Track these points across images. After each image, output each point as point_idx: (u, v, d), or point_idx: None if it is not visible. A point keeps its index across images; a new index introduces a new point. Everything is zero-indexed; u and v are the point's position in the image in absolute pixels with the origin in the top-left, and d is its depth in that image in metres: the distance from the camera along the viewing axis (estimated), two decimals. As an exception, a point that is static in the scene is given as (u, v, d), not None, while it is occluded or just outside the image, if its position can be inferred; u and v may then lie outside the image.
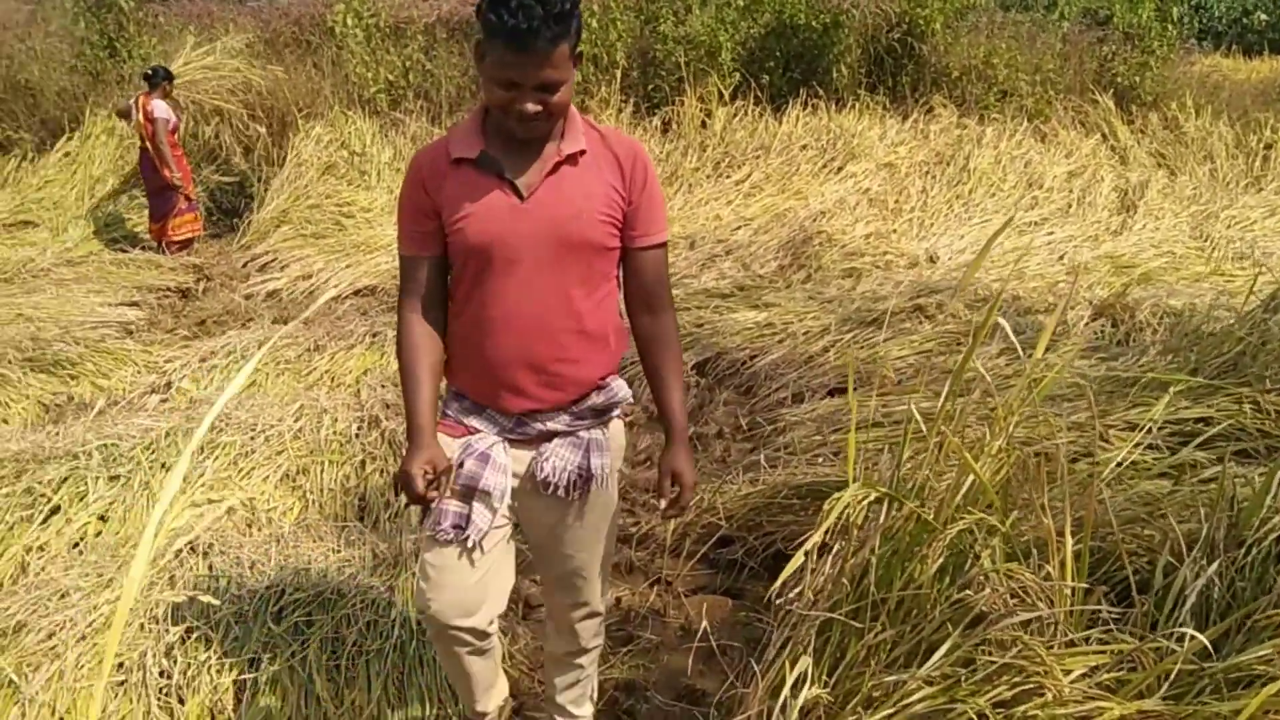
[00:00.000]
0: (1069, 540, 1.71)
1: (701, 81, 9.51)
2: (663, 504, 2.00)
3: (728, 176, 8.65)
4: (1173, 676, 1.40)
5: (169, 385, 4.93)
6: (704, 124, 9.33)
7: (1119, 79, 10.63)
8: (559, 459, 1.99)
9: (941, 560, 1.71)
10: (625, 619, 2.98)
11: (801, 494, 3.16)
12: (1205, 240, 8.09)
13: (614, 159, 1.89)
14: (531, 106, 1.72)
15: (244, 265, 7.69)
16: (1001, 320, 1.88)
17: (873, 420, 3.85)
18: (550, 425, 1.99)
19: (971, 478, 1.68)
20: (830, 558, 1.92)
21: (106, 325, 5.95)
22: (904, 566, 1.77)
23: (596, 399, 2.00)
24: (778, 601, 1.97)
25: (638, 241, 1.94)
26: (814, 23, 9.47)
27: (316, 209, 8.34)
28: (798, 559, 1.65)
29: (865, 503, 1.83)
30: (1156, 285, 6.46)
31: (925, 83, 9.96)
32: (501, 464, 1.97)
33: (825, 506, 1.71)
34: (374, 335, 5.35)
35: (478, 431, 1.99)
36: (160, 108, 7.56)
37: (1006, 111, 9.71)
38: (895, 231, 7.72)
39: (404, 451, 1.87)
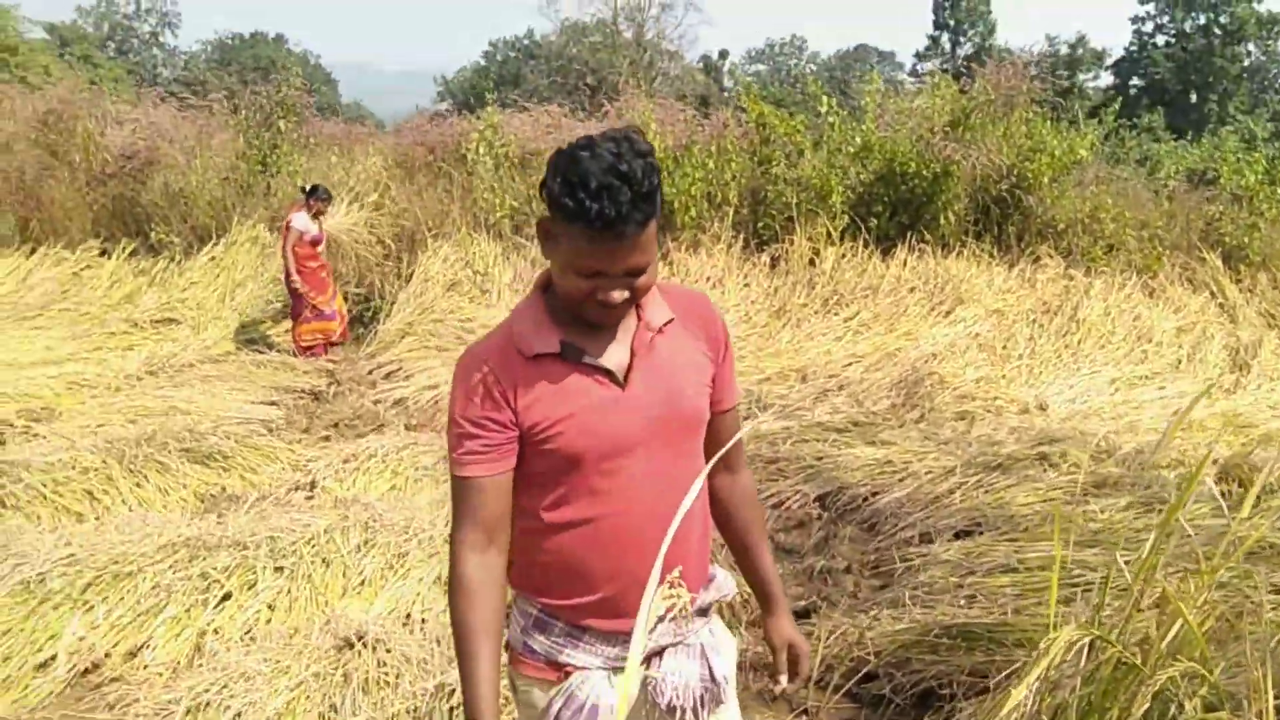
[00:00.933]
0: (1269, 692, 1.78)
1: (810, 221, 9.85)
2: (783, 680, 1.82)
3: (836, 314, 8.86)
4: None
5: (313, 484, 5.18)
6: (813, 262, 9.61)
7: (1227, 238, 10.69)
8: (678, 676, 1.69)
9: (1146, 706, 1.79)
10: (774, 746, 3.04)
11: (951, 634, 3.22)
12: (1323, 403, 7.98)
13: (697, 320, 1.70)
14: (618, 295, 1.51)
15: (370, 372, 8.06)
16: (1209, 482, 1.99)
17: (1008, 565, 3.91)
18: (661, 640, 1.69)
19: (1179, 625, 1.78)
20: (1032, 696, 2.00)
21: (250, 422, 6.29)
22: (1105, 710, 1.85)
23: (705, 596, 1.75)
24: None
25: (724, 405, 1.74)
26: (924, 171, 9.78)
27: (440, 323, 8.76)
28: (1019, 693, 1.74)
29: (1064, 645, 1.93)
30: (1277, 446, 6.40)
31: (1031, 233, 10.16)
32: (612, 708, 1.63)
33: (1042, 645, 1.81)
34: (505, 448, 5.56)
35: (576, 669, 1.66)
36: (298, 220, 8.11)
37: (1114, 265, 9.82)
38: (1005, 377, 7.79)
39: None
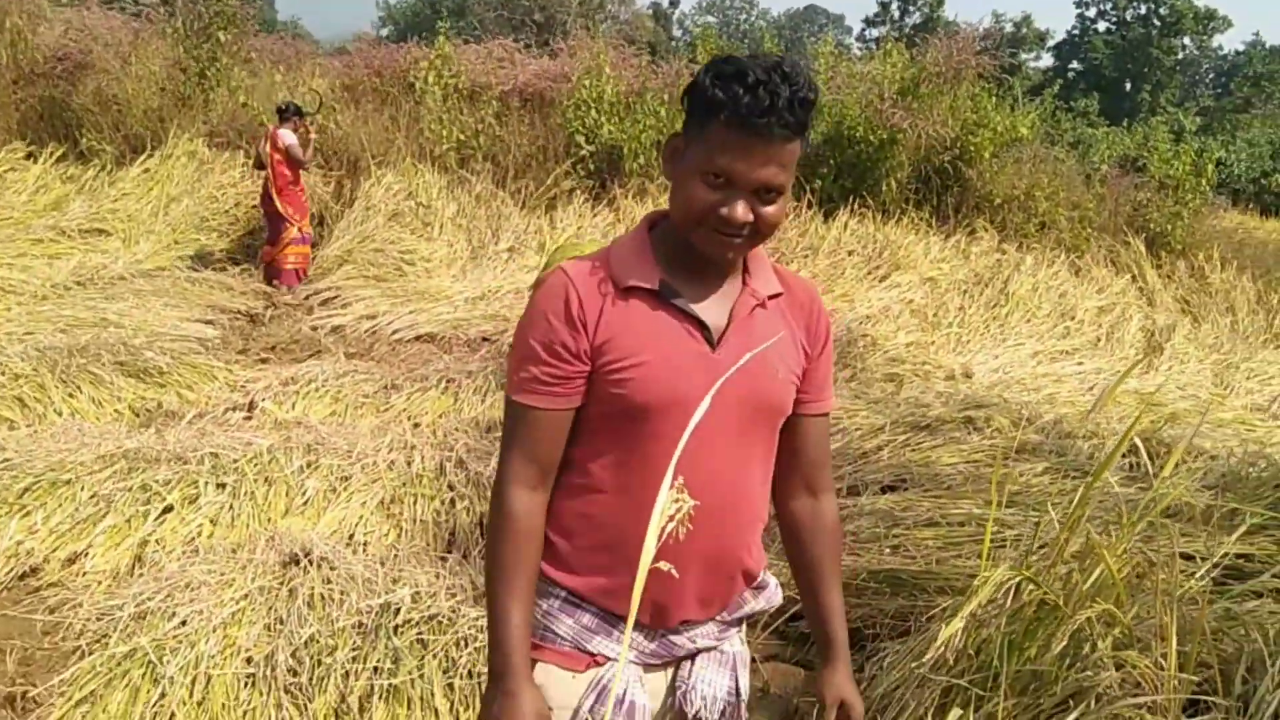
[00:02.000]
0: (1174, 638, 1.96)
1: (757, 178, 9.93)
2: None
3: (777, 271, 9.00)
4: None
5: (252, 404, 5.16)
6: (757, 218, 9.72)
7: (1151, 225, 11.10)
8: (707, 684, 1.57)
9: (1064, 643, 1.95)
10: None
11: (878, 579, 3.39)
12: (1226, 388, 8.41)
13: (803, 306, 1.55)
14: (743, 213, 1.34)
15: (307, 298, 7.98)
16: (1138, 441, 2.14)
17: (932, 519, 4.10)
18: (700, 641, 1.56)
19: (1099, 570, 1.94)
20: (959, 633, 2.16)
21: (186, 340, 6.20)
22: (1025, 646, 2.01)
23: (755, 603, 1.62)
24: (913, 666, 2.19)
25: (810, 406, 1.56)
26: (871, 136, 9.93)
27: (380, 253, 8.67)
28: (954, 625, 1.88)
29: (995, 585, 2.08)
30: (1183, 425, 6.76)
31: (969, 205, 10.42)
32: (645, 708, 1.51)
33: (975, 583, 1.96)
34: (448, 380, 5.60)
35: (605, 660, 1.50)
36: (288, 136, 7.92)
37: (1044, 243, 10.14)
38: (934, 343, 8.03)
39: (484, 692, 1.44)
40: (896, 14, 50.02)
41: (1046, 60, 46.91)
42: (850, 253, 9.38)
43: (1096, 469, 1.97)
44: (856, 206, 9.94)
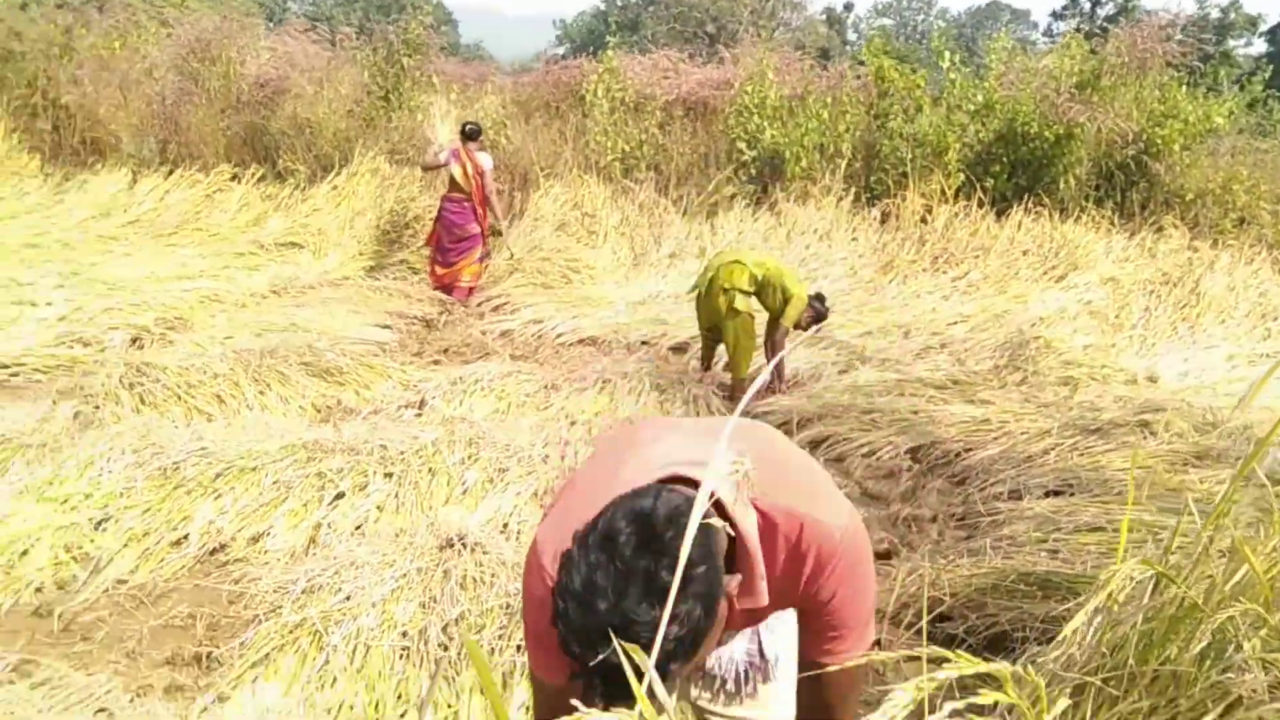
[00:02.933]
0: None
1: (924, 178, 9.70)
2: None
3: (945, 272, 8.76)
4: None
5: (423, 402, 5.46)
6: (924, 219, 9.49)
7: (1370, 217, 10.13)
8: (724, 646, 1.60)
9: (1205, 643, 1.85)
10: (844, 672, 3.15)
11: (1029, 582, 3.27)
12: None
13: (791, 579, 1.40)
14: None
15: (479, 305, 8.35)
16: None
17: (1096, 524, 3.91)
18: None
19: (1244, 569, 1.82)
20: (1090, 628, 2.07)
21: (366, 343, 6.62)
22: (1164, 645, 1.92)
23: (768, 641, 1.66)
24: (1038, 661, 2.11)
25: (810, 654, 1.48)
26: (1046, 132, 9.52)
27: (547, 261, 8.97)
28: (1078, 619, 1.82)
29: (1132, 582, 1.98)
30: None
31: (1156, 201, 9.81)
32: None
33: (1102, 576, 1.88)
34: (605, 381, 5.74)
35: None
36: (487, 160, 8.34)
37: (1243, 239, 9.42)
38: (1114, 346, 7.61)
39: None
40: (1087, 6, 47.52)
41: (1260, 46, 43.41)
42: (1025, 252, 9.01)
43: (1244, 461, 1.86)
44: (1031, 205, 9.54)
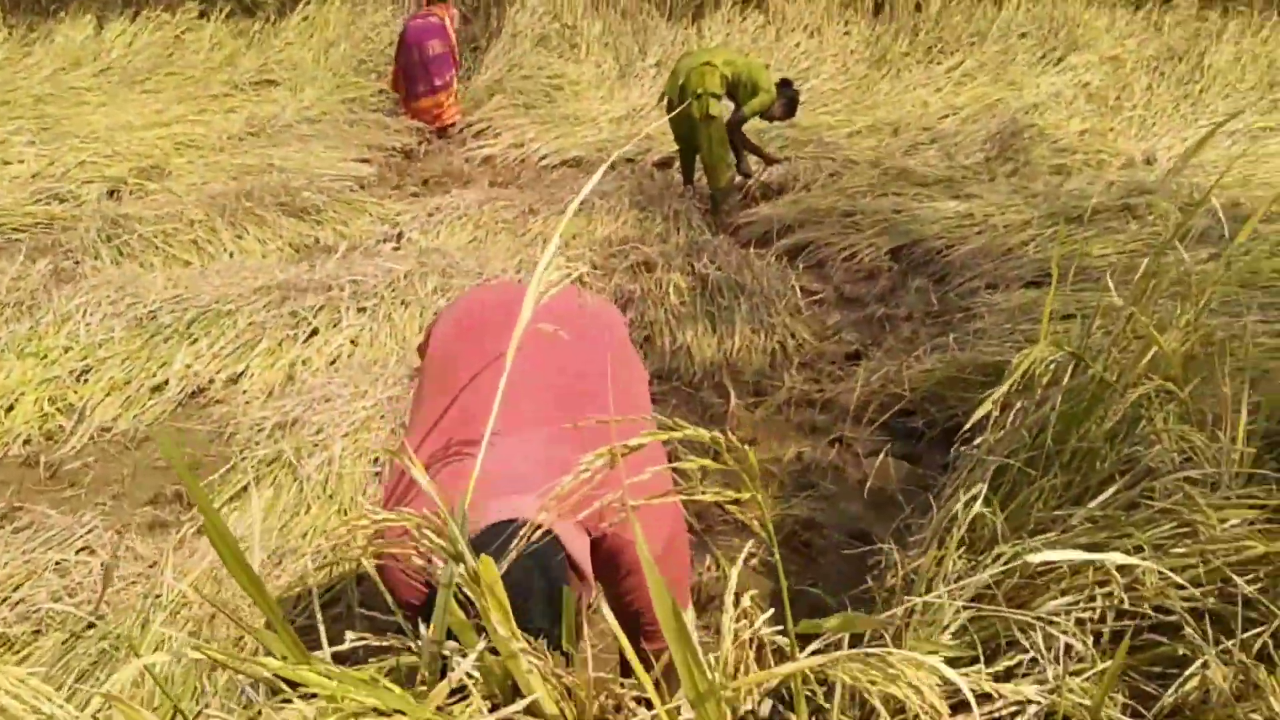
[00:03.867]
0: (1244, 413, 1.84)
1: (919, -38, 9.20)
2: None
3: (939, 64, 8.43)
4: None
5: (400, 235, 5.44)
6: (918, 7, 9.06)
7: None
8: None
9: (1118, 419, 1.87)
10: (805, 469, 3.25)
11: (986, 371, 3.30)
12: None
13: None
14: None
15: (460, 131, 8.16)
16: (1215, 202, 1.96)
17: (1068, 313, 3.90)
18: None
19: (1155, 348, 1.82)
20: (1011, 413, 2.10)
21: (344, 179, 6.51)
22: (1080, 424, 1.95)
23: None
24: (960, 450, 2.16)
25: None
26: (1048, -100, 8.92)
27: (529, 80, 8.69)
28: (985, 406, 1.84)
29: (1051, 363, 2.00)
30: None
31: (1166, -31, 9.27)
32: None
33: (1014, 361, 1.90)
34: (582, 203, 5.66)
35: None
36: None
37: (1254, 3, 8.94)
38: (1113, 130, 7.38)
39: None
40: None
41: None
42: (1023, 35, 8.63)
43: (1164, 238, 1.83)
44: (1032, -18, 9.06)
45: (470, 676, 1.06)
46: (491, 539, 1.27)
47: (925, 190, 5.98)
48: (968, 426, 1.99)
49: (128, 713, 1.04)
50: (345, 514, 2.91)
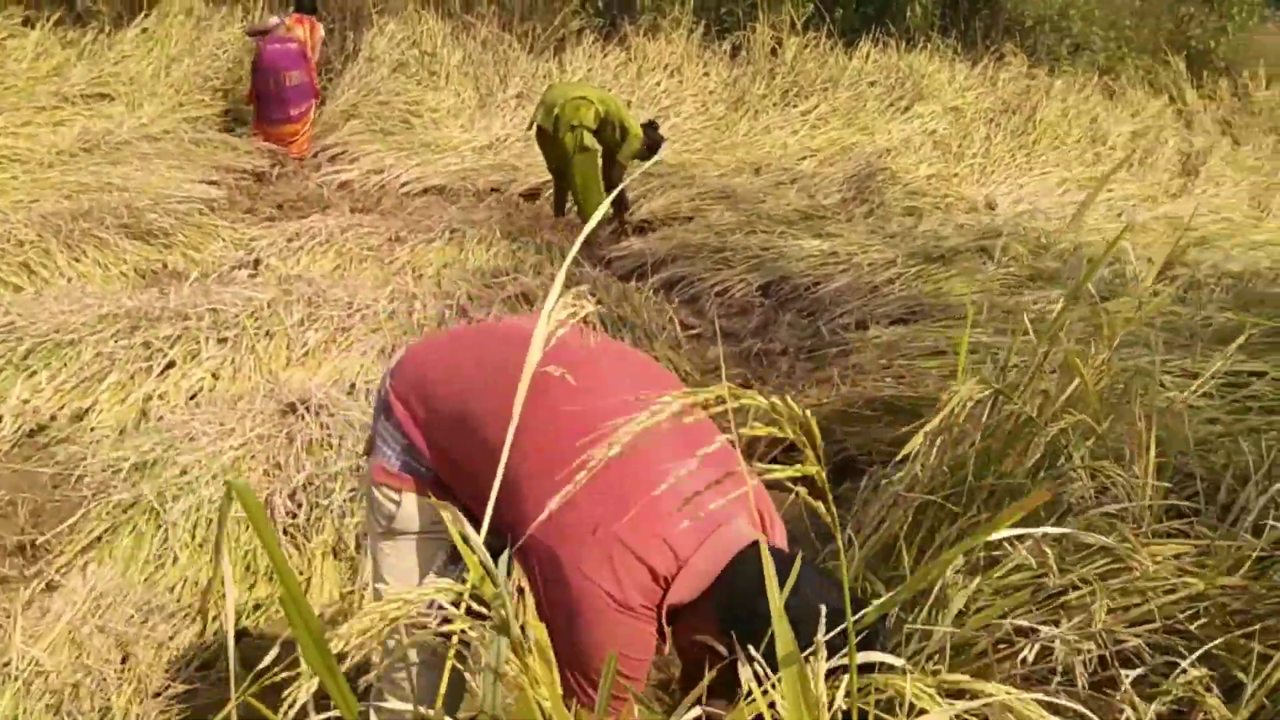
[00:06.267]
0: (1153, 448, 1.91)
1: (774, 9, 9.51)
2: None
3: (795, 106, 8.71)
4: (1248, 564, 1.60)
5: (258, 261, 5.15)
6: (774, 52, 9.35)
7: (1193, 41, 10.53)
8: None
9: (1039, 455, 1.91)
10: (701, 507, 3.21)
11: (874, 407, 3.36)
12: (1263, 210, 8.13)
13: None
14: None
15: (315, 155, 7.86)
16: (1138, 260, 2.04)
17: (938, 349, 4.04)
18: None
19: (1075, 382, 1.88)
20: (935, 449, 2.12)
21: (191, 201, 6.13)
22: (1001, 460, 1.98)
23: None
24: (883, 483, 2.17)
25: None
26: (892, -41, 9.42)
27: (386, 105, 8.47)
28: (917, 440, 1.85)
29: (970, 401, 2.03)
30: (1213, 249, 6.55)
31: (998, 29, 9.94)
32: None
33: (943, 397, 1.91)
34: (451, 231, 5.53)
35: None
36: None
37: (1077, 65, 9.68)
38: (957, 175, 7.80)
39: None
40: None
41: None
42: (872, 84, 9.02)
43: (1076, 283, 1.88)
44: (879, 35, 9.50)
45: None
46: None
47: (790, 229, 6.12)
48: (898, 459, 1.99)
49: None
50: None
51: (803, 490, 1.03)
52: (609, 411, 1.20)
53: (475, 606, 1.28)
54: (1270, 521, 1.97)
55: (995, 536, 1.44)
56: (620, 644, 1.26)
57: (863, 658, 0.90)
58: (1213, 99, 10.38)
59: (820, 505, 0.85)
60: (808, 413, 0.80)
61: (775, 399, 0.85)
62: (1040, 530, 1.75)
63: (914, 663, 1.56)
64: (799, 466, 0.83)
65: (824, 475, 0.83)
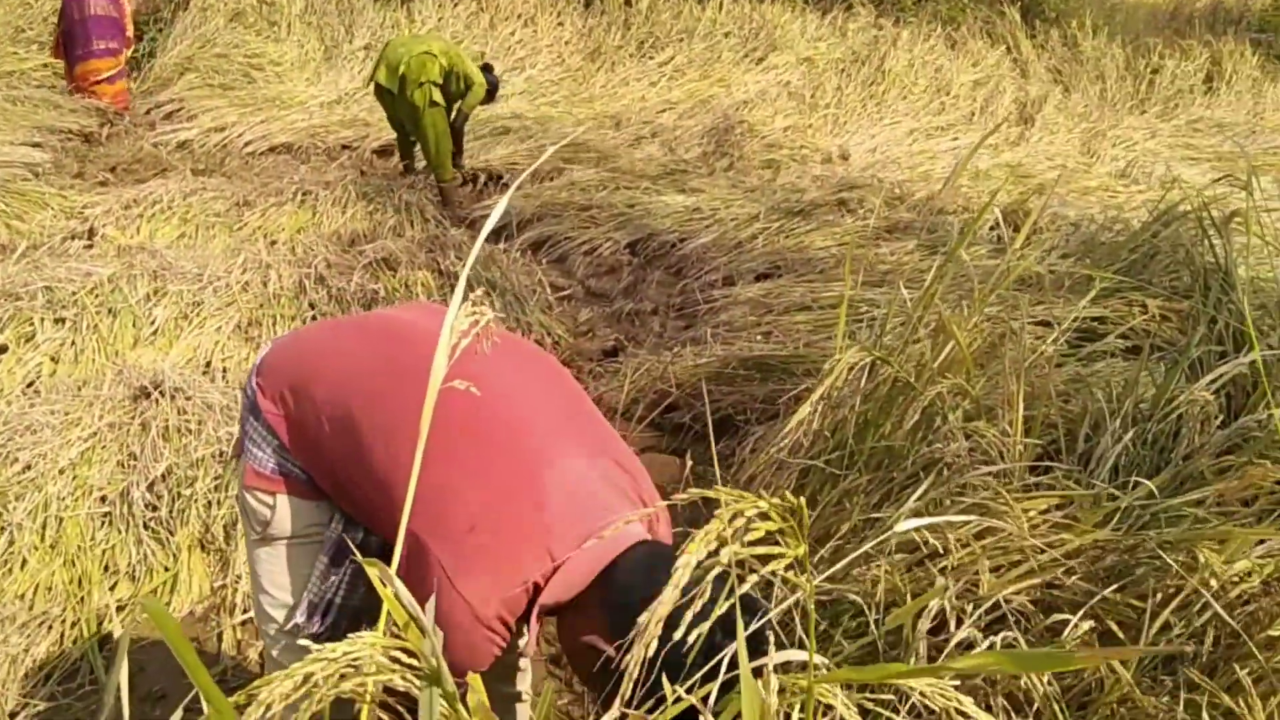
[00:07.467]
0: (1020, 404, 2.00)
1: (627, -43, 9.40)
2: None
3: (651, 58, 8.66)
4: (1118, 516, 1.70)
5: (92, 231, 4.80)
6: (629, 2, 9.25)
7: (1027, -8, 10.97)
8: None
9: (916, 418, 1.97)
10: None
11: (747, 366, 3.41)
12: (1093, 157, 8.58)
13: None
14: None
15: (148, 112, 7.38)
16: (997, 211, 2.11)
17: (804, 304, 4.13)
18: None
19: (950, 346, 1.94)
20: (816, 415, 2.16)
21: (11, 165, 5.67)
22: (880, 423, 2.03)
23: None
24: (771, 451, 2.20)
25: None
26: (743, -93, 9.41)
27: (224, 59, 8.01)
28: (804, 409, 1.88)
29: (848, 367, 2.07)
30: (1050, 195, 6.89)
31: (845, -22, 10.09)
32: None
33: (826, 365, 1.94)
34: (304, 194, 5.29)
35: None
36: None
37: (921, 16, 9.94)
38: (811, 126, 7.93)
39: None
40: None
41: None
42: (727, 34, 9.05)
43: (954, 243, 1.93)
44: (732, -15, 9.52)
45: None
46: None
47: (654, 185, 6.12)
48: (773, 418, 2.02)
49: None
50: (72, 564, 2.52)
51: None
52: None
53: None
54: (1125, 466, 2.09)
55: (905, 527, 1.47)
56: (459, 654, 1.22)
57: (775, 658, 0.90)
58: (1045, 48, 10.86)
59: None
60: (801, 501, 0.76)
61: (764, 501, 0.80)
62: (918, 492, 1.81)
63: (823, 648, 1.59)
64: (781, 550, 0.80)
65: (806, 551, 0.81)
